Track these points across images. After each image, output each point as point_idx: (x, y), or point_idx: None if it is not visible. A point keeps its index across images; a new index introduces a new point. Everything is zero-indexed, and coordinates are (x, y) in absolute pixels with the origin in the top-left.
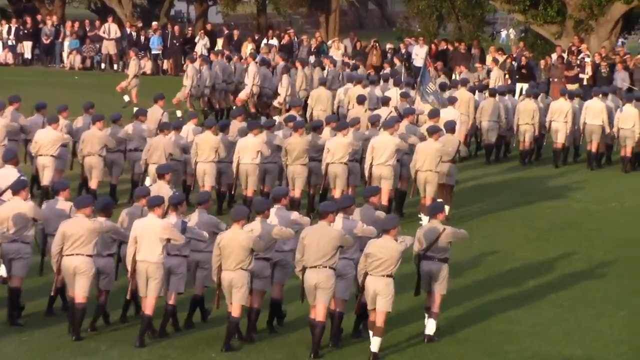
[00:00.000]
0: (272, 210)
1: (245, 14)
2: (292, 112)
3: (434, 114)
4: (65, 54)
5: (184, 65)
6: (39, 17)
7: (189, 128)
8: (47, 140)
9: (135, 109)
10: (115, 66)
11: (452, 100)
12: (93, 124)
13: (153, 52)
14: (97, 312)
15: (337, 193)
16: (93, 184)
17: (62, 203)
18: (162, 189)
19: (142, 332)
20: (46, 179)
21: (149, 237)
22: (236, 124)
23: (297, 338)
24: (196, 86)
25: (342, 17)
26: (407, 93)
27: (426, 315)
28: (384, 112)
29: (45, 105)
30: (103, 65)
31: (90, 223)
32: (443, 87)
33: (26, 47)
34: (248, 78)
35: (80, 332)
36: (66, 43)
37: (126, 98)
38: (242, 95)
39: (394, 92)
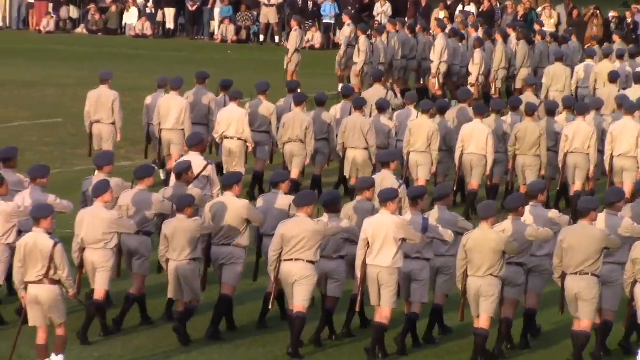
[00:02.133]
0: (527, 208)
1: None
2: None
3: None
4: (215, 24)
5: (351, 37)
6: None
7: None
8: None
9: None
10: (276, 38)
11: None
12: (296, 105)
13: (324, 21)
14: (321, 323)
15: (577, 186)
16: (294, 174)
17: (282, 198)
18: (387, 179)
19: (375, 343)
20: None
21: (383, 237)
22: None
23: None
24: (369, 63)
25: None
26: None
27: None
28: (634, 93)
29: (232, 84)
30: (262, 38)
31: (314, 224)
32: None
33: (168, 15)
34: (435, 53)
35: (298, 346)
36: (216, 10)
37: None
38: (431, 83)
39: None
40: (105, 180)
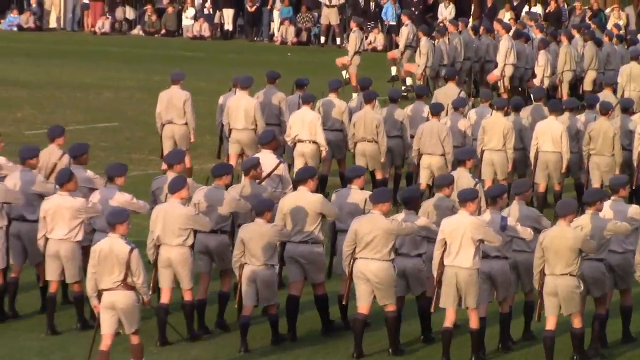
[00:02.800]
0: (607, 203)
1: None
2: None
3: None
4: (275, 25)
5: (409, 38)
6: None
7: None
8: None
9: (354, 93)
10: (337, 40)
11: None
12: (366, 103)
13: (386, 22)
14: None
15: None
16: (379, 174)
17: (356, 193)
18: (463, 177)
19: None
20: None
21: (460, 238)
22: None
23: None
24: (432, 65)
25: None
26: None
27: None
28: None
29: (307, 83)
30: (322, 39)
31: (387, 222)
32: None
33: (226, 17)
34: (499, 55)
35: (397, 344)
36: (276, 12)
37: (345, 74)
38: (492, 76)
39: None
40: (181, 176)
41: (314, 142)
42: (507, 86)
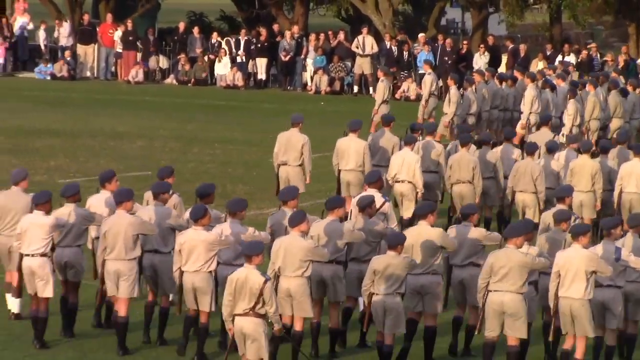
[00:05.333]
0: None
1: (535, 24)
2: None
3: None
4: (308, 74)
5: (432, 87)
6: (275, 27)
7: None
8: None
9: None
10: (370, 89)
11: None
12: (462, 146)
13: (419, 71)
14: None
15: None
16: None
17: (474, 230)
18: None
19: None
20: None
21: (574, 270)
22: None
23: None
24: (460, 114)
25: None
26: None
27: None
28: None
29: (419, 127)
30: (356, 89)
31: (522, 256)
32: None
33: (260, 66)
34: (525, 104)
35: None
36: (309, 60)
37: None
38: (518, 126)
39: None
40: (301, 211)
41: (410, 182)
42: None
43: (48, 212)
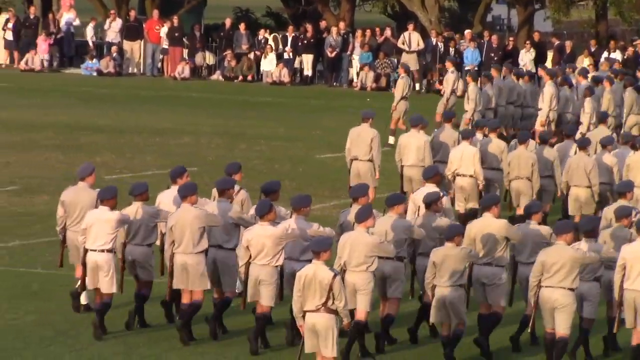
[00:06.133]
0: None
1: (581, 21)
2: None
3: None
4: (354, 71)
5: (455, 85)
6: (322, 24)
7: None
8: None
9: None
10: (417, 86)
11: None
12: (520, 144)
13: (465, 67)
14: (576, 342)
15: None
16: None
17: (537, 228)
18: None
19: None
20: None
21: (639, 263)
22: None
23: None
24: (480, 110)
25: None
26: None
27: None
28: None
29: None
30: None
31: (573, 251)
32: None
33: (306, 62)
34: (544, 101)
35: None
36: (355, 57)
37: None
38: (537, 124)
39: None
40: (368, 206)
41: (472, 175)
42: (552, 131)
43: (113, 208)
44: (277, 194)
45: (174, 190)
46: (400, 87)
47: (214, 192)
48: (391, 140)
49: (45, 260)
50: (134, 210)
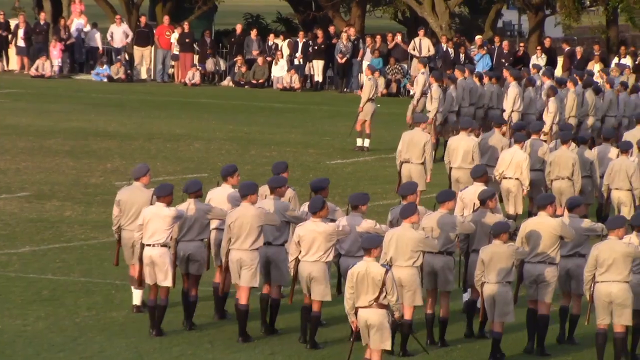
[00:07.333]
0: None
1: (592, 26)
2: None
3: None
4: (364, 77)
5: (425, 86)
6: (332, 29)
7: None
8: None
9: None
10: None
11: None
12: (562, 144)
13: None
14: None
15: None
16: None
17: (582, 222)
18: None
19: None
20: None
21: None
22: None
23: None
24: (442, 111)
25: None
26: None
27: None
28: None
29: (524, 126)
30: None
31: (625, 246)
32: None
33: (316, 68)
34: (507, 102)
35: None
36: (365, 62)
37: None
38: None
39: None
40: (413, 203)
41: (517, 179)
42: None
43: (169, 205)
44: (326, 191)
45: (224, 187)
46: (367, 88)
47: (262, 190)
48: (359, 142)
49: (55, 267)
50: (187, 206)
